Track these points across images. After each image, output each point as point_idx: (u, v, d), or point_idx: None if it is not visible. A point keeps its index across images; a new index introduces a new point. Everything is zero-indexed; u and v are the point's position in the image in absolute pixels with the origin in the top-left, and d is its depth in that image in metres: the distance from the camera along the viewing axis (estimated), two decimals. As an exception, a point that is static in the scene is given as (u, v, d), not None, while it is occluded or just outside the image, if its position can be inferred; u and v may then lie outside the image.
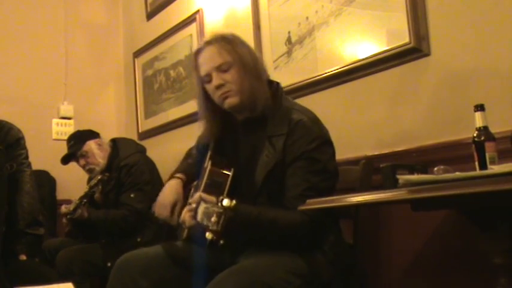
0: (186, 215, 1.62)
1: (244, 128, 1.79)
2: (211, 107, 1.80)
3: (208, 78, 1.73)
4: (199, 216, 1.43)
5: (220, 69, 1.70)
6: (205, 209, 1.42)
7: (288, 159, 1.66)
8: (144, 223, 2.88)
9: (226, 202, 1.37)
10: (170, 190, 1.88)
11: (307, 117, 1.70)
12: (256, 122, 1.74)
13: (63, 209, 2.84)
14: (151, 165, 3.09)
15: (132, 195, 2.87)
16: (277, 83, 1.81)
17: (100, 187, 2.92)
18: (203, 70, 1.74)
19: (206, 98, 1.79)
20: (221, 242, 1.38)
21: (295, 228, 1.59)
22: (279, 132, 1.68)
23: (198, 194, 1.56)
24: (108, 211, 2.88)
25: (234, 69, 1.69)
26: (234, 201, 1.36)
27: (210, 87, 1.74)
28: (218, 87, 1.71)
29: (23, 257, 2.57)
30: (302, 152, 1.64)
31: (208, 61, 1.73)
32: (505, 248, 1.30)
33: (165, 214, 1.84)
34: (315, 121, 1.73)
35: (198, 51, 1.77)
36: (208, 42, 1.74)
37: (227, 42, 1.72)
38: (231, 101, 1.71)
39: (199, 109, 1.84)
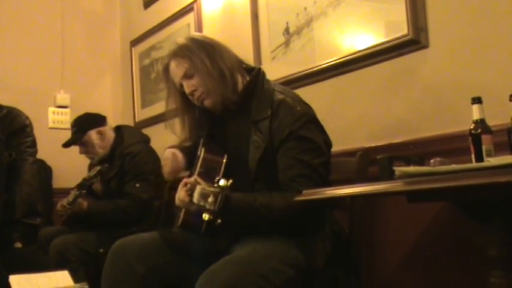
0: (181, 193, 1.62)
1: (229, 115, 1.80)
2: (198, 111, 1.85)
3: (183, 88, 1.80)
4: (195, 198, 1.44)
5: (186, 77, 1.77)
6: (202, 190, 1.42)
7: (276, 142, 1.67)
8: (143, 214, 2.87)
9: (222, 182, 1.38)
10: (166, 152, 1.94)
11: (288, 97, 1.72)
12: (240, 108, 1.76)
13: (64, 202, 2.82)
14: (154, 155, 3.07)
15: (137, 185, 2.85)
16: (259, 68, 1.83)
17: (99, 178, 2.90)
18: (176, 83, 1.83)
19: (190, 104, 1.84)
20: (218, 221, 1.39)
21: (292, 210, 1.59)
22: (263, 115, 1.70)
23: (193, 178, 1.57)
24: (108, 203, 2.86)
25: (196, 74, 1.75)
26: (230, 181, 1.37)
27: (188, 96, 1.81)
28: (191, 94, 1.78)
29: (18, 245, 2.57)
30: (289, 132, 1.65)
31: (174, 75, 1.82)
32: (499, 240, 1.31)
33: (167, 167, 1.89)
34: (297, 100, 1.74)
35: (166, 69, 1.85)
36: (169, 57, 1.82)
37: (182, 51, 1.78)
38: (207, 102, 1.78)
39: (185, 118, 1.89)
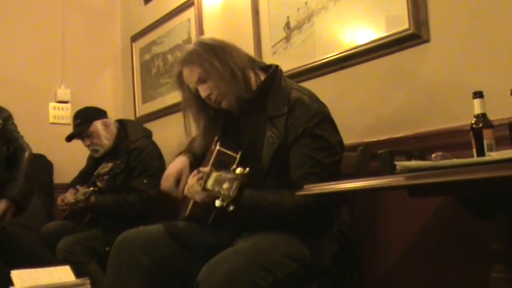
0: (192, 181, 1.62)
1: (244, 113, 1.81)
2: (213, 110, 1.86)
3: (198, 92, 1.82)
4: (209, 184, 1.43)
5: (200, 82, 1.78)
6: (218, 177, 1.41)
7: (290, 139, 1.68)
8: (150, 211, 2.86)
9: (239, 170, 1.38)
10: (176, 163, 1.93)
11: (305, 95, 1.73)
12: (256, 105, 1.77)
13: (70, 198, 2.81)
14: (159, 151, 3.07)
15: (145, 181, 2.84)
16: (276, 66, 1.84)
17: (107, 177, 2.88)
18: (192, 88, 1.83)
19: (204, 105, 1.85)
20: (231, 208, 1.38)
21: (299, 209, 1.60)
22: (279, 112, 1.71)
23: (208, 167, 1.57)
24: (116, 198, 2.84)
25: (209, 78, 1.76)
26: (247, 169, 1.37)
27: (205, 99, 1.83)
28: (207, 97, 1.79)
29: None
30: (303, 130, 1.66)
31: (188, 80, 1.83)
32: (501, 234, 1.31)
33: (168, 185, 1.87)
34: (314, 98, 1.75)
35: (179, 76, 1.86)
36: (182, 63, 1.83)
37: (192, 57, 1.80)
38: (224, 104, 1.79)
39: (200, 120, 1.90)
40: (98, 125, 2.97)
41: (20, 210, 2.66)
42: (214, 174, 1.43)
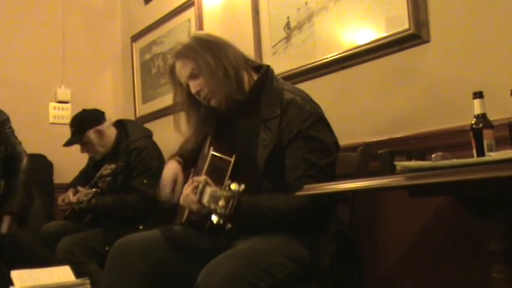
0: (187, 191, 1.62)
1: (237, 113, 1.80)
2: (205, 108, 1.84)
3: (189, 87, 1.79)
4: (205, 199, 1.43)
5: (192, 77, 1.76)
6: (213, 192, 1.42)
7: (284, 141, 1.67)
8: (150, 211, 2.86)
9: (234, 186, 1.38)
10: (169, 169, 1.92)
11: (298, 96, 1.72)
12: (249, 106, 1.76)
13: (72, 199, 2.81)
14: (159, 151, 3.07)
15: (145, 181, 2.84)
16: (267, 66, 1.83)
17: (109, 179, 2.89)
18: (183, 83, 1.82)
19: (196, 102, 1.83)
20: (228, 226, 1.39)
21: (297, 211, 1.60)
22: (272, 114, 1.70)
23: (203, 177, 1.57)
24: (116, 198, 2.84)
25: (201, 75, 1.74)
26: (242, 186, 1.36)
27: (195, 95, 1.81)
28: (197, 93, 1.77)
29: None
30: (297, 132, 1.65)
31: (180, 75, 1.80)
32: (501, 234, 1.31)
33: (166, 195, 1.87)
34: (307, 99, 1.74)
35: (171, 69, 1.83)
36: (174, 57, 1.81)
37: (186, 51, 1.77)
38: (213, 102, 1.77)
39: (190, 116, 1.87)
40: (90, 134, 2.95)
41: (21, 222, 2.72)
42: (208, 190, 1.43)
